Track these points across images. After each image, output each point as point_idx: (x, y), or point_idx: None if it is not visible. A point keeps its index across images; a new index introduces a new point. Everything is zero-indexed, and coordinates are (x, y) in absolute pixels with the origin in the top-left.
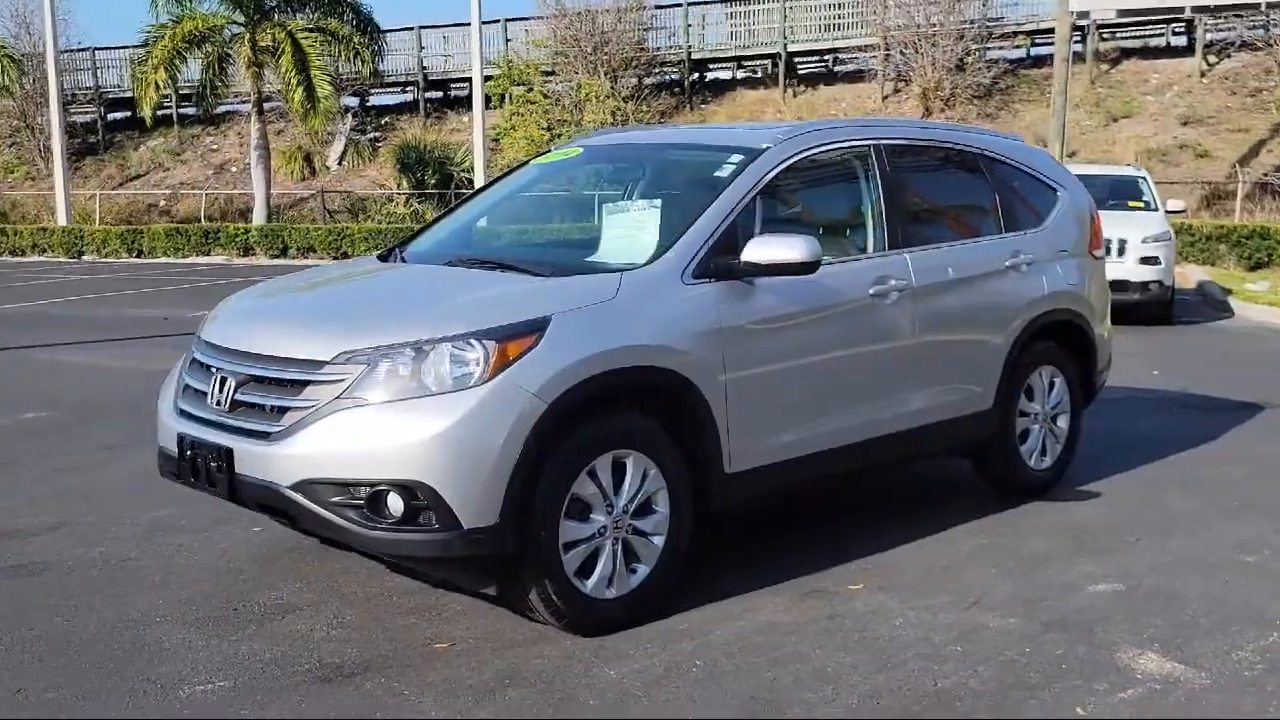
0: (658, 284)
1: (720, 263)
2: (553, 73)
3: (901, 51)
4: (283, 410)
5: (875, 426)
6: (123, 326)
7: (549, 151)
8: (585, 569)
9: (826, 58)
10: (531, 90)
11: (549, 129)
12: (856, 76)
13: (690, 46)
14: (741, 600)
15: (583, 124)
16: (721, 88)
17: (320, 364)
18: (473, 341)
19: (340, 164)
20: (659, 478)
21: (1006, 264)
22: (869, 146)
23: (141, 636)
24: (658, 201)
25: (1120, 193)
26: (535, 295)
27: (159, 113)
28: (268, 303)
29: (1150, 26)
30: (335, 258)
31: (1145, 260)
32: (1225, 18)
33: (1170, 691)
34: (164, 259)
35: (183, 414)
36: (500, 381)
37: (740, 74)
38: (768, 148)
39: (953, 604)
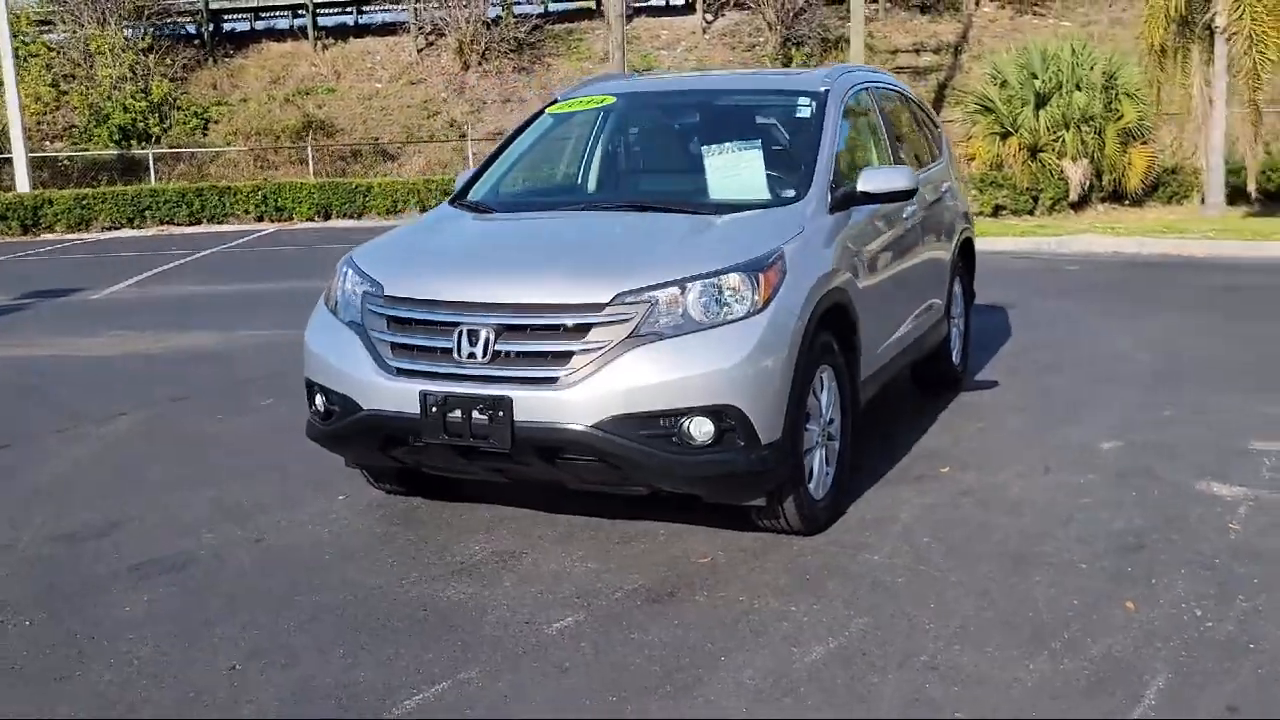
0: (817, 216)
1: (842, 193)
2: (48, 23)
3: (437, 5)
4: (568, 354)
5: (911, 333)
6: None
7: (564, 100)
8: (809, 475)
9: (351, 9)
10: (31, 43)
11: (55, 85)
12: (388, 29)
13: None
14: (874, 493)
15: (96, 79)
16: (244, 40)
17: (600, 306)
18: (743, 273)
19: None
20: (837, 388)
21: (944, 187)
22: (866, 86)
23: (431, 598)
24: (756, 143)
25: None
26: (754, 230)
27: None
28: (463, 256)
29: None
30: None
31: None
32: None
33: (1262, 506)
34: None
35: (405, 373)
36: (774, 307)
37: (259, 25)
38: (827, 90)
39: (1034, 472)
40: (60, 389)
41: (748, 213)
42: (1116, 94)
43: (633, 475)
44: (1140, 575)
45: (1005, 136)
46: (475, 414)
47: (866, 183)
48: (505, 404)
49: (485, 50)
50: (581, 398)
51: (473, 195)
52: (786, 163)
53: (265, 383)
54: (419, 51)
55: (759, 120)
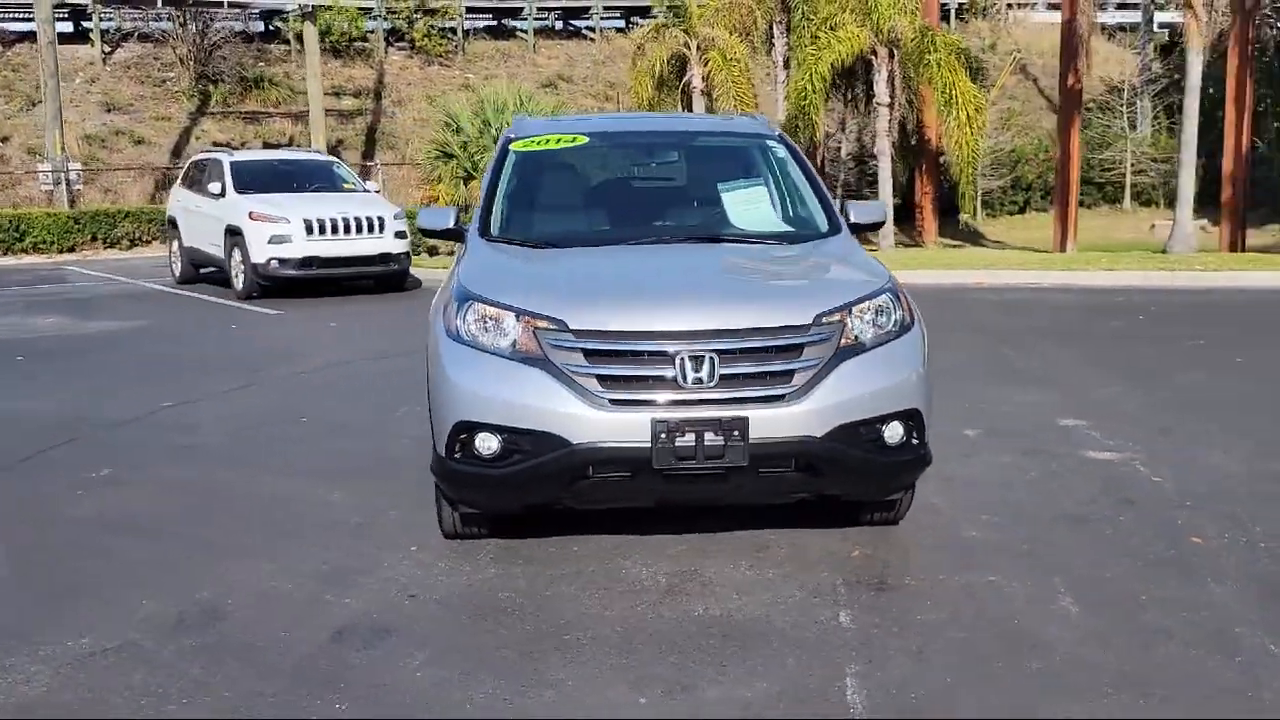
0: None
1: (850, 225)
2: None
3: None
4: (790, 373)
5: None
6: None
7: (519, 139)
8: None
9: None
10: None
11: None
12: None
13: None
14: None
15: None
16: None
17: (806, 327)
18: (892, 295)
19: None
20: None
21: None
22: None
23: (691, 616)
24: (759, 180)
25: (319, 176)
26: (857, 257)
27: None
28: (636, 286)
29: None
30: None
31: (399, 235)
32: (117, 6)
33: (1148, 462)
34: None
35: (624, 404)
36: (917, 321)
37: None
38: (780, 134)
39: (965, 458)
40: None
41: (822, 242)
42: None
43: (836, 481)
44: (1167, 520)
45: (468, 180)
46: (709, 436)
47: (859, 215)
48: (742, 424)
49: None
50: (810, 410)
51: (499, 231)
52: (795, 198)
53: (76, 449)
54: None
55: (737, 161)
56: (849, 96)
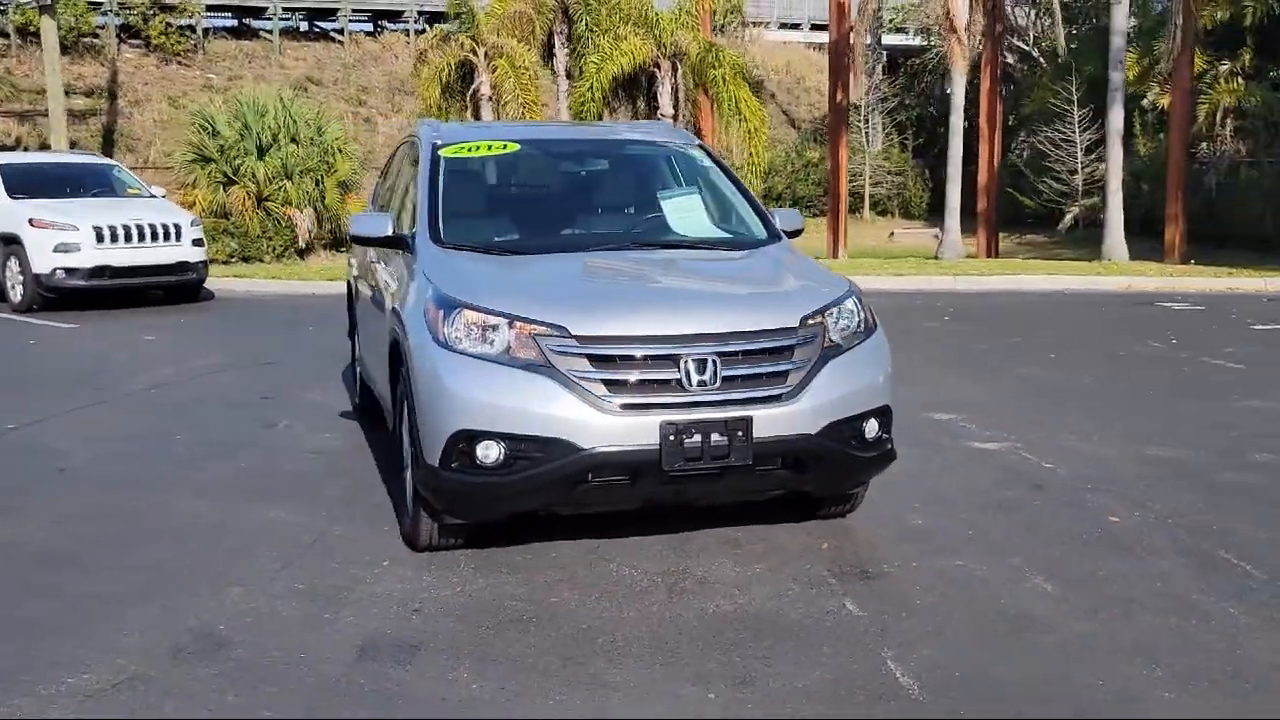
0: None
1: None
2: None
3: None
4: (785, 373)
5: None
6: None
7: (447, 145)
8: None
9: None
10: None
11: None
12: None
13: None
14: None
15: None
16: None
17: (794, 330)
18: (856, 299)
19: None
20: None
21: None
22: None
23: (706, 613)
24: (694, 189)
25: (98, 179)
26: (812, 264)
27: None
28: (632, 294)
29: None
30: None
31: (196, 243)
32: None
33: (1030, 449)
34: None
35: (633, 408)
36: (879, 324)
37: None
38: (699, 142)
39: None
40: None
41: (765, 248)
42: (328, 148)
43: (817, 476)
44: (1077, 502)
45: (229, 185)
46: (714, 436)
47: (783, 223)
48: (746, 423)
49: None
50: (806, 409)
51: (453, 238)
52: (726, 204)
53: None
54: None
55: (675, 166)
56: (632, 107)
